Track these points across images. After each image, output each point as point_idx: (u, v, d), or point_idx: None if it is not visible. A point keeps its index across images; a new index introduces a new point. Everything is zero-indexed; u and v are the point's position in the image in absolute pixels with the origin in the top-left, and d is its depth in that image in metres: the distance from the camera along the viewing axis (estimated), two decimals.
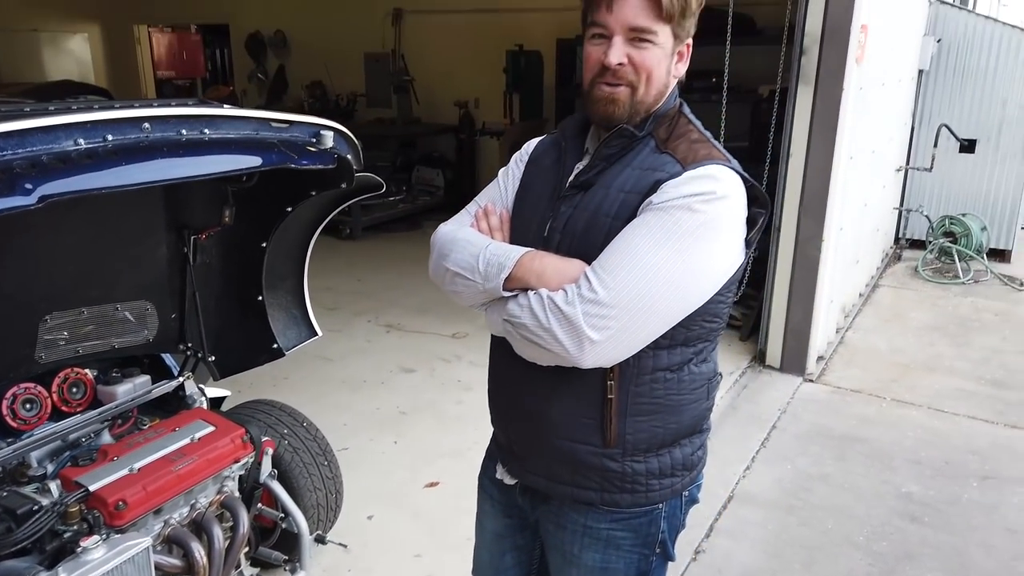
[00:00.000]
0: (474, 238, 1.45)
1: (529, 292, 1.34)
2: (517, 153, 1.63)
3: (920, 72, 7.00)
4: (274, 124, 1.82)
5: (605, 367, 1.34)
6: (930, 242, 7.00)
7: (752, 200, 1.36)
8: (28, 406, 2.08)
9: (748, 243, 1.38)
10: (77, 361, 2.19)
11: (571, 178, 1.45)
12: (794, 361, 4.52)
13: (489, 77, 8.05)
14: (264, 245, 2.34)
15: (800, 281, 4.38)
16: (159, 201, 2.13)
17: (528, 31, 7.69)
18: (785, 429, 3.92)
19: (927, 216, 7.14)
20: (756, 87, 6.61)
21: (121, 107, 1.51)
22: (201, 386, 2.46)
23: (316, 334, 2.58)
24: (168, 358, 2.54)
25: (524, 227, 1.48)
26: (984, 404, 4.25)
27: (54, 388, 2.14)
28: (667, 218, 1.27)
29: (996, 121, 7.00)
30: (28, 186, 1.23)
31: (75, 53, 11.70)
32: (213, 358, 2.43)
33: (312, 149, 1.89)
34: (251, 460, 2.16)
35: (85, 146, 1.37)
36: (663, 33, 1.32)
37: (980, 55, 6.95)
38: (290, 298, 2.53)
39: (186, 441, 2.03)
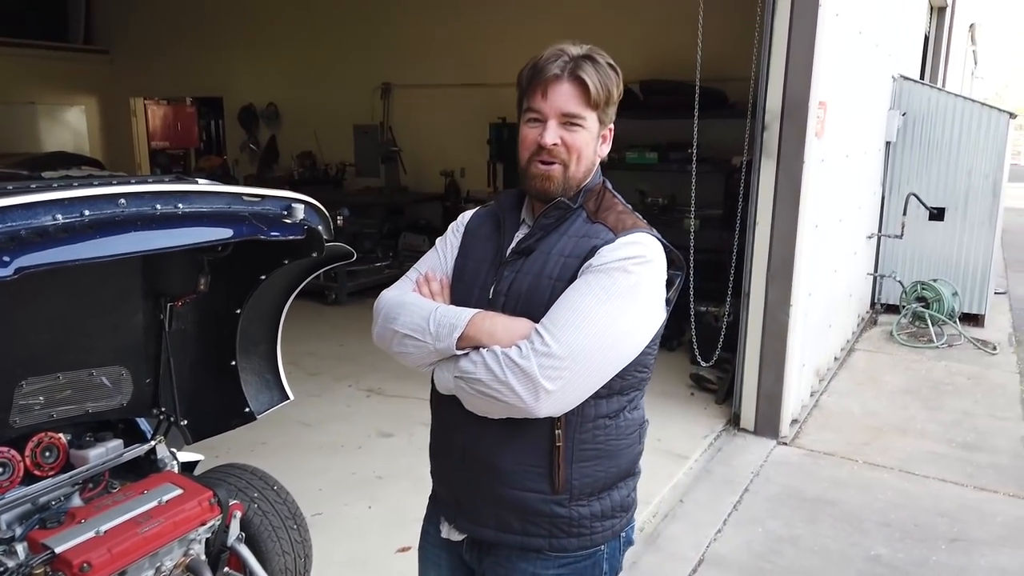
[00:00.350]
0: (421, 302, 1.58)
1: (481, 349, 1.46)
2: (453, 224, 1.77)
3: (888, 144, 7.27)
4: (246, 198, 1.93)
5: (556, 416, 1.47)
6: (904, 307, 7.15)
7: (670, 263, 1.55)
8: (0, 470, 2.13)
9: (668, 301, 1.56)
10: (51, 425, 2.25)
11: (512, 245, 1.60)
12: (767, 424, 4.59)
13: (474, 148, 8.31)
14: (238, 311, 2.42)
15: (770, 345, 4.49)
16: (137, 270, 2.23)
17: (511, 105, 7.94)
18: (757, 492, 3.96)
19: (900, 282, 7.31)
20: (729, 158, 6.85)
21: (100, 184, 1.62)
22: (173, 450, 2.50)
23: (288, 398, 2.65)
24: (143, 422, 2.60)
25: (466, 291, 1.61)
26: (954, 467, 4.30)
27: (27, 452, 2.19)
28: (606, 279, 1.44)
29: (963, 190, 7.24)
30: (6, 259, 1.32)
31: (72, 124, 11.98)
32: (185, 422, 2.49)
33: (283, 221, 2.01)
34: (218, 523, 2.20)
35: (63, 221, 1.48)
36: (591, 118, 1.52)
37: (944, 128, 7.24)
38: (263, 363, 2.61)
39: (153, 504, 2.07)
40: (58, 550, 1.84)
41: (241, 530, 2.39)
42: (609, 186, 1.63)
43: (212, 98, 11.47)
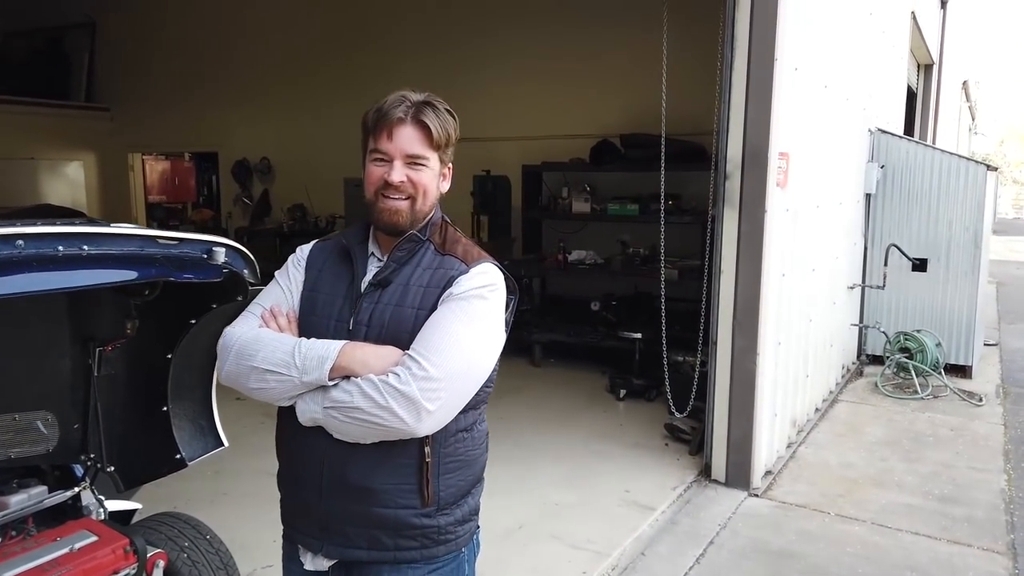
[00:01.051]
0: (280, 337, 1.62)
1: (355, 379, 1.52)
2: (292, 257, 1.82)
3: (868, 195, 7.32)
4: (161, 241, 1.94)
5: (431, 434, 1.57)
6: (888, 357, 7.09)
7: (508, 288, 1.70)
8: None
9: (506, 322, 1.70)
10: None
11: (368, 278, 1.68)
12: (738, 475, 4.51)
13: (458, 199, 8.38)
14: (169, 356, 2.42)
15: (739, 394, 4.44)
16: (63, 313, 2.23)
17: (495, 158, 8.09)
18: (722, 545, 3.87)
19: (884, 332, 7.27)
20: (708, 209, 6.90)
21: (2, 227, 1.64)
22: (101, 497, 2.47)
23: (223, 444, 2.62)
24: (78, 469, 2.57)
25: (320, 324, 1.66)
26: (929, 520, 4.21)
27: None
28: (467, 305, 1.58)
29: (944, 241, 7.26)
30: None
31: (70, 178, 12.19)
32: (112, 468, 2.45)
33: (201, 264, 2.01)
34: (132, 572, 2.15)
35: None
36: (433, 158, 1.66)
37: (924, 180, 7.30)
38: (197, 408, 2.58)
39: (64, 551, 2.04)
40: None
41: None
42: (448, 220, 1.77)
43: (209, 153, 11.68)
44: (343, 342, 1.56)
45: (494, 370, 1.68)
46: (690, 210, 7.06)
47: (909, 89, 10.66)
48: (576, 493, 4.41)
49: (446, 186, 1.73)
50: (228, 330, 1.69)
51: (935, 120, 13.70)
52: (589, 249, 7.60)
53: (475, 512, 1.76)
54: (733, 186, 4.28)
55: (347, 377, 1.53)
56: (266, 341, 1.59)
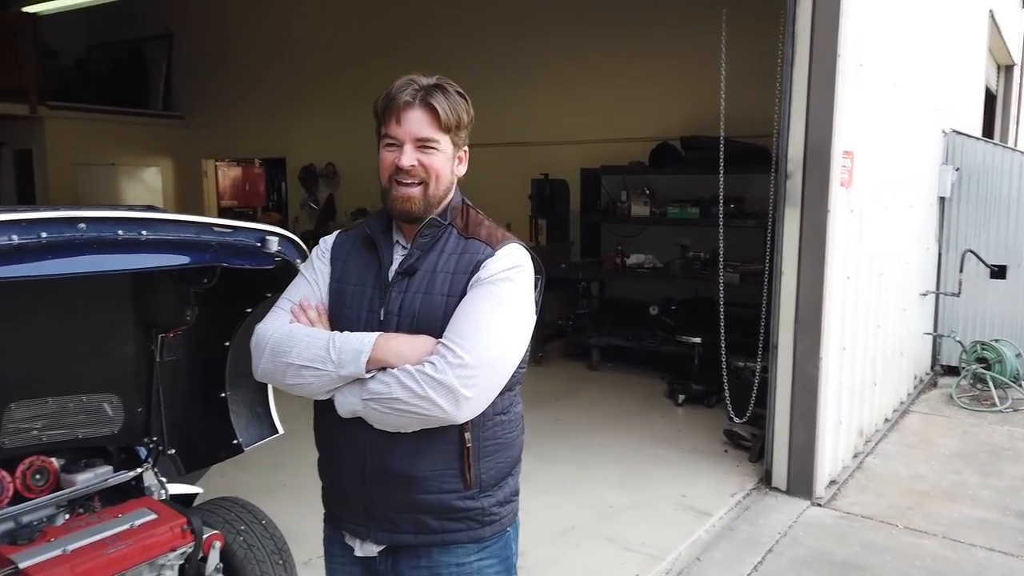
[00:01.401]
0: (313, 331, 1.62)
1: (391, 370, 1.53)
2: (316, 249, 1.80)
3: (941, 199, 7.03)
4: (216, 228, 2.01)
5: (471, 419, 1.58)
6: (963, 368, 6.78)
7: (535, 268, 1.69)
8: None
9: (536, 302, 1.69)
10: (43, 449, 2.33)
11: (395, 267, 1.67)
12: (800, 483, 4.37)
13: (517, 203, 8.41)
14: (227, 344, 2.49)
15: (801, 400, 4.31)
16: (127, 300, 2.33)
17: (553, 162, 8.09)
18: (782, 554, 3.75)
19: (959, 341, 6.95)
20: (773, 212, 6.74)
21: (66, 209, 1.72)
22: (163, 479, 2.55)
23: (277, 432, 2.69)
24: (141, 451, 2.67)
25: (352, 315, 1.66)
26: (1005, 535, 3.99)
27: (17, 473, 2.27)
28: (496, 289, 1.57)
29: None
30: None
31: (147, 183, 12.71)
32: (173, 451, 2.54)
33: (254, 252, 2.07)
34: (190, 550, 2.21)
35: (18, 241, 1.57)
36: (444, 141, 1.63)
37: (1003, 183, 6.97)
38: (254, 396, 2.65)
39: (125, 527, 2.11)
40: (22, 565, 1.88)
41: (223, 562, 2.40)
42: (469, 203, 1.74)
43: (278, 159, 12.01)
44: (377, 334, 1.57)
45: (527, 351, 1.68)
46: (753, 213, 6.90)
47: (988, 91, 10.21)
48: (631, 495, 4.35)
49: (462, 170, 1.71)
50: (260, 327, 1.69)
51: (1016, 122, 13.10)
52: (648, 253, 7.51)
53: (516, 492, 1.77)
54: (794, 185, 4.17)
55: (383, 368, 1.54)
56: (300, 337, 1.60)
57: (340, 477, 1.71)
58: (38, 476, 2.33)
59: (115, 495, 2.48)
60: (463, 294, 1.58)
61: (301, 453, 2.92)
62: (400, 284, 1.64)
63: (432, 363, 1.50)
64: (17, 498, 2.26)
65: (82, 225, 1.69)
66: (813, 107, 4.01)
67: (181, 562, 2.24)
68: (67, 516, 2.32)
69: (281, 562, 2.66)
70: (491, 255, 1.60)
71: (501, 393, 1.63)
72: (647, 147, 7.59)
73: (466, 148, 1.70)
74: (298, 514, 2.89)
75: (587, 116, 8.37)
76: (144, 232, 1.81)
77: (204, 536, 2.27)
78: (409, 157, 1.60)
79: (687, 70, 7.56)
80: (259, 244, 2.10)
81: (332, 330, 1.64)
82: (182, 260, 1.89)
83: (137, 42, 12.65)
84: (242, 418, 2.62)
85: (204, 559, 2.31)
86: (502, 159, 8.75)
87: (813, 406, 4.28)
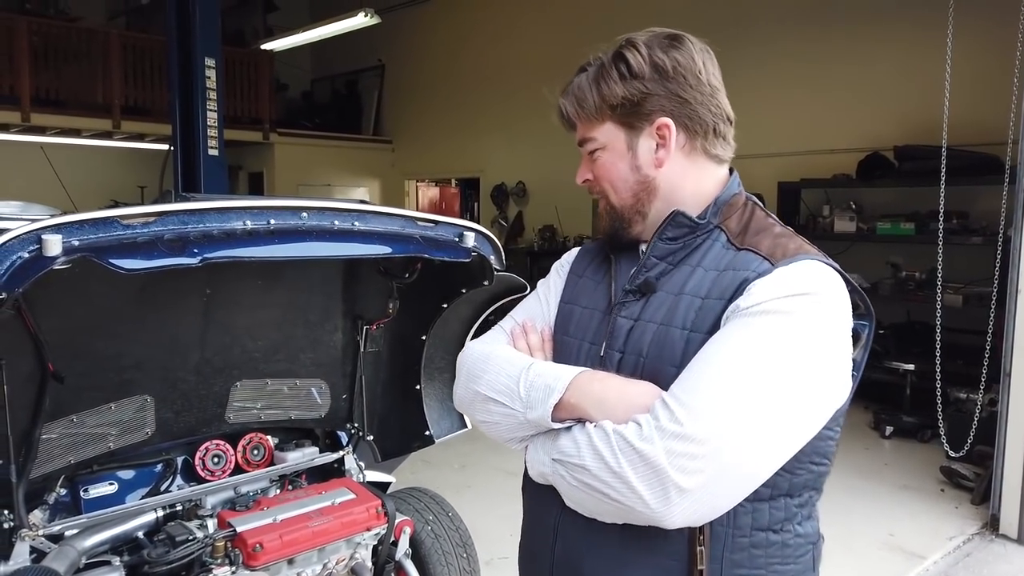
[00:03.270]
0: (513, 357, 1.23)
1: (587, 425, 1.08)
2: (557, 263, 1.44)
3: None
4: (420, 222, 2.10)
5: (695, 527, 1.05)
6: None
7: (853, 308, 1.11)
8: (216, 460, 2.46)
9: (854, 363, 1.11)
10: (260, 427, 2.55)
11: (625, 283, 1.23)
12: None
13: None
14: (424, 338, 2.60)
15: None
16: (338, 292, 2.50)
17: (748, 175, 7.68)
18: None
19: None
20: (1005, 228, 6.03)
21: (290, 199, 1.88)
22: (361, 464, 2.70)
23: (466, 427, 2.75)
24: (343, 436, 2.85)
25: (573, 346, 1.26)
26: None
27: (239, 448, 2.51)
28: (761, 326, 1.02)
29: None
30: (195, 250, 1.58)
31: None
32: (371, 438, 2.69)
33: (453, 246, 2.15)
34: (383, 531, 2.32)
35: (250, 226, 1.73)
36: (601, 135, 1.22)
37: None
38: (446, 390, 2.74)
39: (327, 503, 2.25)
40: (239, 529, 2.07)
41: (410, 547, 2.50)
42: (754, 200, 1.23)
43: (472, 179, 12.57)
44: (579, 369, 1.13)
45: (829, 438, 1.13)
46: (979, 229, 6.21)
47: None
48: (828, 530, 4.01)
49: (664, 153, 1.19)
50: (468, 344, 1.35)
51: None
52: (853, 272, 6.89)
53: None
54: None
55: (582, 421, 1.09)
56: (495, 361, 1.22)
57: (529, 562, 1.30)
58: (256, 452, 2.56)
59: (319, 475, 2.67)
60: (715, 330, 1.07)
61: (486, 456, 2.98)
62: (630, 308, 1.19)
63: (638, 424, 1.01)
64: (237, 470, 2.50)
65: (304, 214, 1.84)
66: None
67: (375, 542, 2.35)
68: (278, 489, 2.53)
69: (465, 555, 2.73)
70: (765, 273, 1.07)
71: (776, 497, 1.10)
72: (851, 159, 7.09)
73: (663, 122, 1.17)
74: (483, 514, 2.97)
75: (785, 127, 7.96)
76: (357, 223, 1.94)
77: (396, 521, 2.37)
78: (580, 171, 1.29)
79: (899, 75, 6.99)
80: (457, 239, 2.17)
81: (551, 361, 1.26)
82: (389, 249, 1.99)
83: (354, 74, 13.80)
84: (434, 411, 2.71)
85: (395, 543, 2.42)
86: None
87: None
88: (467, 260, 2.13)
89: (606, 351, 1.19)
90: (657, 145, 1.20)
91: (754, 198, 1.24)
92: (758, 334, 1.02)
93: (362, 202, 2.07)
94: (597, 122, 1.22)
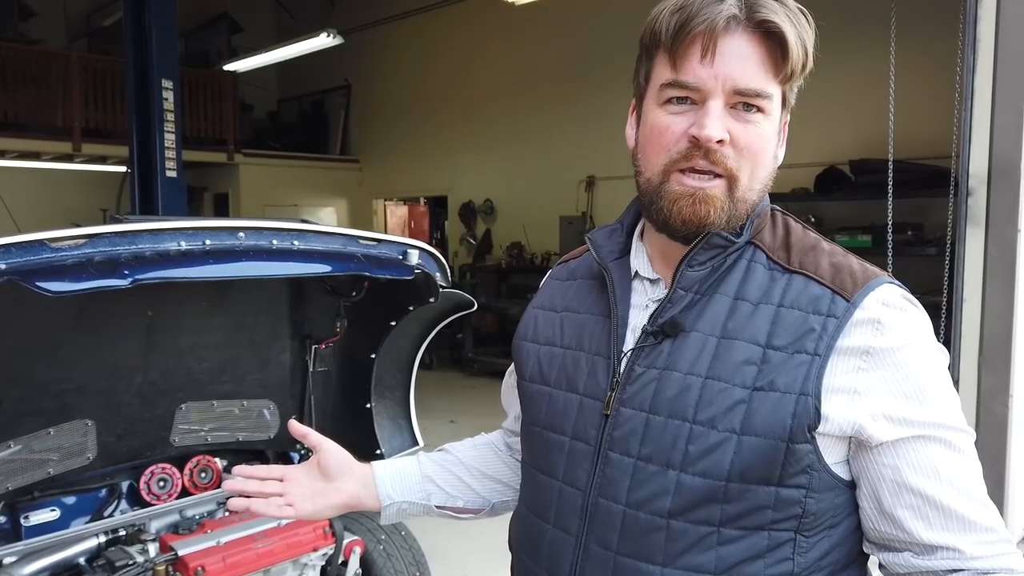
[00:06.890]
0: None
1: None
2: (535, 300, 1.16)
3: None
4: (362, 241, 2.11)
5: None
6: None
7: None
8: (161, 484, 2.43)
9: None
10: (208, 449, 2.53)
11: (640, 319, 0.95)
12: None
13: None
14: (373, 356, 2.60)
15: (987, 442, 3.85)
16: (285, 312, 2.50)
17: None
18: None
19: None
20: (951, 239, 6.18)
21: (226, 219, 1.88)
22: None
23: (418, 444, 2.75)
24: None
25: (556, 402, 0.99)
26: None
27: (186, 471, 2.48)
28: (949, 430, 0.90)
29: None
30: (126, 272, 1.58)
31: (324, 223, 13.68)
32: None
33: (396, 264, 2.16)
34: (330, 551, 2.31)
35: (185, 247, 1.73)
36: (776, 98, 0.89)
37: None
38: (397, 408, 2.75)
39: (272, 524, 2.24)
40: (180, 553, 2.05)
41: (361, 568, 2.49)
42: (780, 209, 0.99)
43: (440, 197, 12.60)
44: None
45: None
46: (933, 240, 6.35)
47: None
48: None
49: (783, 152, 0.96)
50: None
51: None
52: None
53: None
54: (977, 203, 3.78)
55: None
56: None
57: None
58: (203, 474, 2.54)
59: None
60: (804, 392, 0.83)
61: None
62: (650, 354, 0.91)
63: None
64: (184, 493, 2.47)
65: (241, 234, 1.84)
66: (998, 116, 3.65)
67: (322, 563, 2.34)
68: (225, 512, 2.50)
69: (418, 574, 2.71)
70: (847, 316, 0.85)
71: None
72: (809, 173, 7.22)
73: (787, 119, 0.95)
74: (439, 535, 2.94)
75: None
76: (296, 242, 1.94)
77: (345, 541, 2.36)
78: (717, 125, 0.85)
79: (856, 90, 7.14)
80: (401, 256, 2.18)
81: (524, 421, 1.06)
82: (329, 268, 1.99)
83: (321, 94, 13.79)
84: (385, 429, 2.71)
85: (345, 563, 2.40)
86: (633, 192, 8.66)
87: (1002, 449, 3.81)
88: (411, 277, 2.14)
89: (616, 413, 0.92)
90: (780, 141, 0.95)
91: (778, 207, 1.00)
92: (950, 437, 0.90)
93: (303, 221, 2.07)
94: (780, 81, 0.89)
